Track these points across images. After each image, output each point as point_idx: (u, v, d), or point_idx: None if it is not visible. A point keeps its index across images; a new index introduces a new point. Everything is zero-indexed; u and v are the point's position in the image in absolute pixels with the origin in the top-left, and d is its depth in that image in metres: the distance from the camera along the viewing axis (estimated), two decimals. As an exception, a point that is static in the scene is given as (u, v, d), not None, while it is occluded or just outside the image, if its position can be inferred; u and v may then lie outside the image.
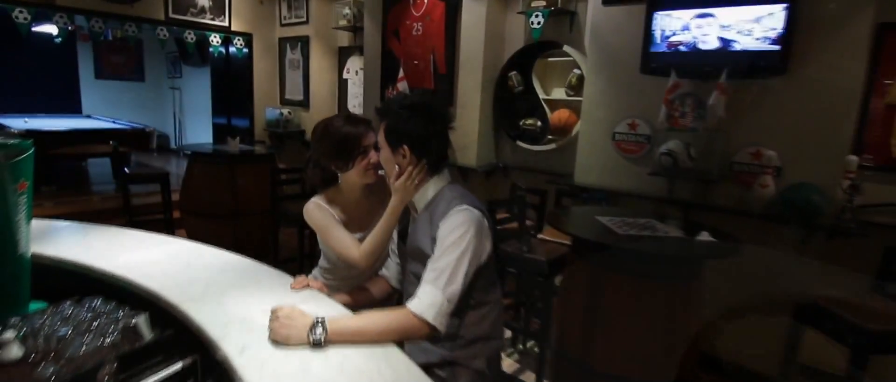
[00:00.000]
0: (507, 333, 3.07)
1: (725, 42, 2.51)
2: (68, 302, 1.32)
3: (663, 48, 2.72)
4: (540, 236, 2.84)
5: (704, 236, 1.97)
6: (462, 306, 1.33)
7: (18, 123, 6.18)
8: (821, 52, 2.41)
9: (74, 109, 8.39)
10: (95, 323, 1.20)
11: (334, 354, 1.04)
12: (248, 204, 3.94)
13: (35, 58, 7.90)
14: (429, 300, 1.21)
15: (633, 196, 3.03)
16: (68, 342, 1.15)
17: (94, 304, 1.30)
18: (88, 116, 7.83)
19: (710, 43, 2.55)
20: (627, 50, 2.94)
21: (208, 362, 1.20)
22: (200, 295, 1.29)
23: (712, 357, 2.76)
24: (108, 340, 1.15)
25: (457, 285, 1.24)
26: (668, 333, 1.90)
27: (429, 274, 1.26)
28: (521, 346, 3.03)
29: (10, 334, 1.15)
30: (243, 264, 1.55)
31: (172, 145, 9.52)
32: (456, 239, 1.26)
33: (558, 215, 2.50)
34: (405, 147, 1.38)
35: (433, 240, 1.31)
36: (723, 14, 2.51)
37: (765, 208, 2.54)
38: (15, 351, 1.15)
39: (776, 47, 2.38)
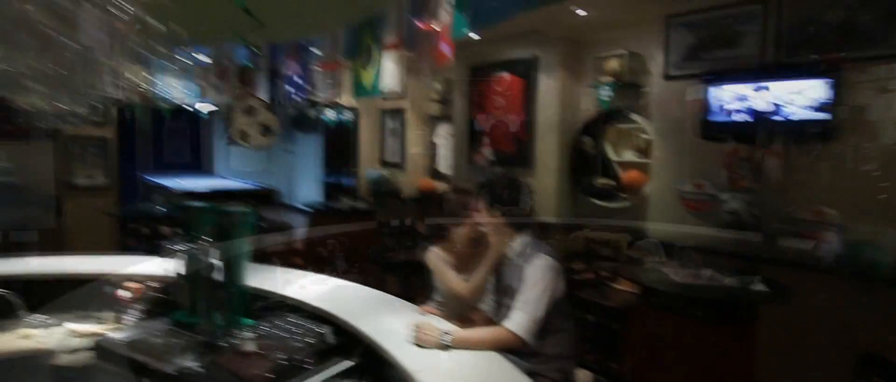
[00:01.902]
0: (589, 375, 3.37)
1: (776, 111, 2.83)
2: (274, 318, 1.98)
3: (720, 117, 3.08)
4: (614, 286, 3.19)
5: (757, 285, 2.27)
6: (543, 330, 1.80)
7: (173, 183, 7.67)
8: (867, 119, 2.65)
9: (209, 170, 10.08)
10: (297, 330, 1.83)
11: (456, 353, 1.58)
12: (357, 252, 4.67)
13: (183, 126, 9.76)
14: (519, 319, 1.70)
15: (701, 249, 3.30)
16: (283, 340, 1.78)
17: (291, 319, 1.94)
18: (222, 177, 9.35)
19: (762, 112, 2.88)
20: (688, 118, 3.31)
21: (364, 363, 1.77)
22: (361, 314, 1.88)
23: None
24: (307, 340, 1.76)
25: (539, 312, 1.72)
26: (724, 370, 2.19)
27: (519, 303, 1.75)
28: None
29: (248, 334, 1.81)
30: (381, 295, 2.15)
31: (284, 201, 10.89)
32: (538, 279, 1.76)
33: (629, 266, 2.87)
34: (498, 211, 1.92)
35: (521, 280, 1.81)
36: (772, 86, 2.85)
37: (829, 263, 2.72)
38: (251, 346, 1.80)
39: (823, 115, 2.67)
